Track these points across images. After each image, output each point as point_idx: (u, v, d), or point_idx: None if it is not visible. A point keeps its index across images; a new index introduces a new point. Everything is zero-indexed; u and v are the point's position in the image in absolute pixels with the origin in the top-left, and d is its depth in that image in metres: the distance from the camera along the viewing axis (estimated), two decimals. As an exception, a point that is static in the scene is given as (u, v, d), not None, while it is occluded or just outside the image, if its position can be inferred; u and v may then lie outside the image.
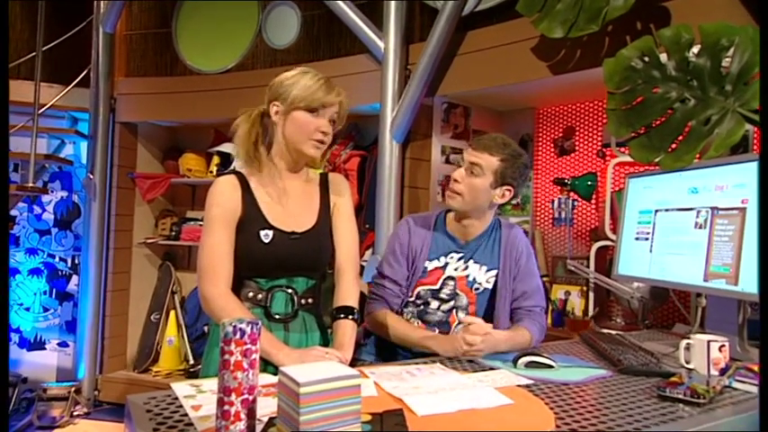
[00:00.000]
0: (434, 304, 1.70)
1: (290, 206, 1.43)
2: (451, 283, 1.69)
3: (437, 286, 1.69)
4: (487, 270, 1.71)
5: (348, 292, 1.45)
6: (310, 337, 1.44)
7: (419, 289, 1.69)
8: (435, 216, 1.75)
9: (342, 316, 1.40)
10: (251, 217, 1.38)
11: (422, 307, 1.70)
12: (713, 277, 1.55)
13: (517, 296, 1.72)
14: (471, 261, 1.70)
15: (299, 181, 1.48)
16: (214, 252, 1.34)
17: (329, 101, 1.38)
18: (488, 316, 1.74)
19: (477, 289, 1.71)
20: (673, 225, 1.74)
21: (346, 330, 1.38)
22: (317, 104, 1.37)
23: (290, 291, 1.41)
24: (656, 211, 1.82)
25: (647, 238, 1.84)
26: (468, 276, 1.70)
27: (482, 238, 1.71)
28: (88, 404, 3.41)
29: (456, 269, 1.69)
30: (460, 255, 1.70)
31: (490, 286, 1.72)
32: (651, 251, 1.81)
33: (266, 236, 1.37)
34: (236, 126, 1.44)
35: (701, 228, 1.62)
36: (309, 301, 1.44)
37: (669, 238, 1.75)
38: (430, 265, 1.68)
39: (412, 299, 1.70)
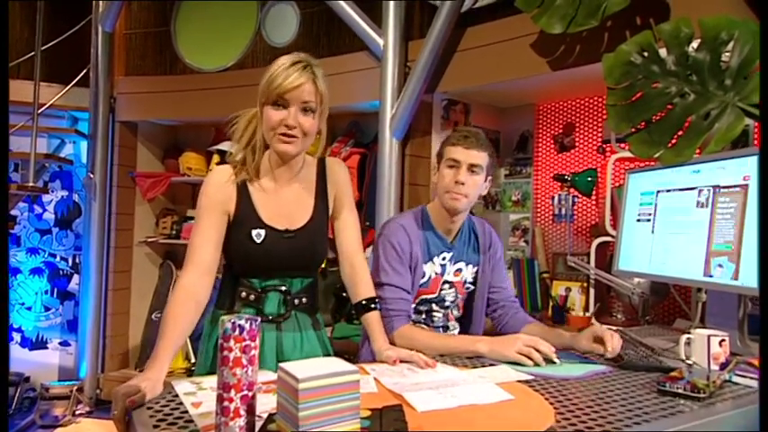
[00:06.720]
0: (440, 313, 1.71)
1: (283, 203, 1.39)
2: (452, 289, 1.70)
3: (436, 294, 1.69)
4: (472, 267, 1.74)
5: (366, 275, 1.50)
6: (305, 337, 1.42)
7: (421, 297, 1.68)
8: (420, 215, 1.70)
9: (372, 306, 1.46)
10: (244, 215, 1.35)
11: (424, 315, 1.70)
12: (716, 255, 1.55)
13: (496, 288, 1.74)
14: (462, 263, 1.71)
15: (293, 177, 1.41)
16: (195, 241, 1.31)
17: (284, 87, 1.26)
18: (468, 310, 1.77)
19: (467, 288, 1.75)
20: (675, 205, 1.75)
21: (378, 324, 1.44)
22: (274, 97, 1.28)
23: (283, 290, 1.38)
24: (658, 191, 1.83)
25: (648, 219, 1.84)
26: (464, 281, 1.73)
27: (462, 233, 1.72)
28: (90, 403, 3.42)
29: (450, 273, 1.69)
30: (451, 254, 1.69)
31: (472, 280, 1.75)
32: (653, 232, 1.82)
33: (258, 235, 1.33)
34: (233, 127, 1.40)
35: (703, 207, 1.63)
36: (303, 300, 1.41)
37: (671, 218, 1.76)
38: (427, 269, 1.66)
39: (414, 305, 1.68)
